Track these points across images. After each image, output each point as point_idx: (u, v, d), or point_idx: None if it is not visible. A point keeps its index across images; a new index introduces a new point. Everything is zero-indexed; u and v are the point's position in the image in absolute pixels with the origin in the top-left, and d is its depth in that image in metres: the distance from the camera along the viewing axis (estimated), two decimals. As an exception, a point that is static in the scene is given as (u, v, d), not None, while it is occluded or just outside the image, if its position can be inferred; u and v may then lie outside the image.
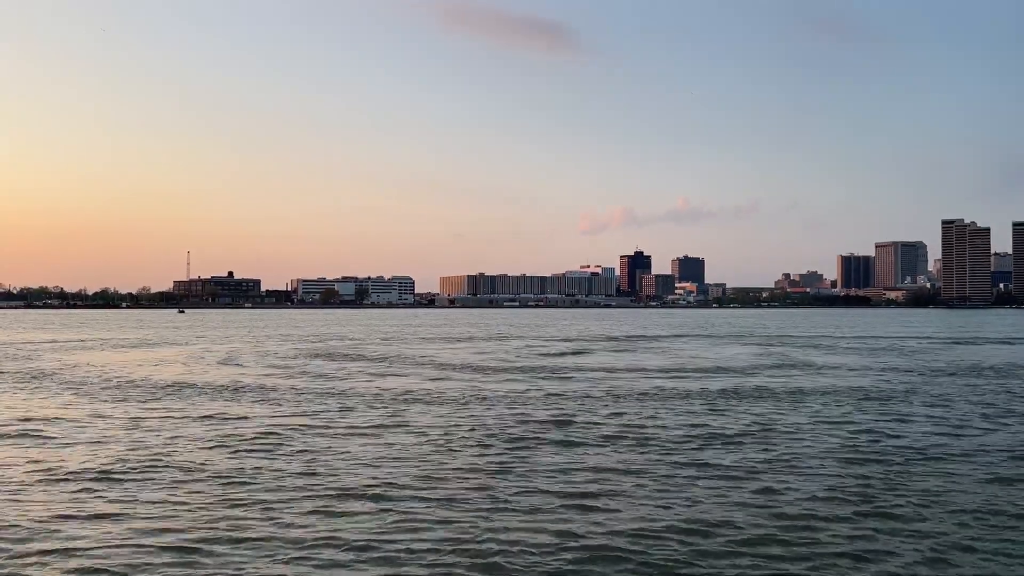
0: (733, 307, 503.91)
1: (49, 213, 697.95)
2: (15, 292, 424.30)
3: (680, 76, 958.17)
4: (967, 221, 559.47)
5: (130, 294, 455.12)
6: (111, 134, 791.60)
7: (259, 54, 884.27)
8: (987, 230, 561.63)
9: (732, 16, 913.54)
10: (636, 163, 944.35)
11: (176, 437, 25.01)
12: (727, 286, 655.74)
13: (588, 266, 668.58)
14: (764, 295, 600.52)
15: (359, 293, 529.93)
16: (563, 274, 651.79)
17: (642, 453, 22.39)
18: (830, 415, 29.88)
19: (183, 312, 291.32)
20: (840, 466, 20.59)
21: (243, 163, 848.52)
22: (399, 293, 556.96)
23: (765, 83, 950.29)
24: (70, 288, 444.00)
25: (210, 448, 23.17)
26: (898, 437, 24.97)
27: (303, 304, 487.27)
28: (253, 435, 25.35)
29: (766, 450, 22.77)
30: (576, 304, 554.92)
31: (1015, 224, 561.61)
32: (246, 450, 22.88)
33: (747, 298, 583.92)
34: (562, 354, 67.59)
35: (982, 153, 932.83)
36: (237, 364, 56.05)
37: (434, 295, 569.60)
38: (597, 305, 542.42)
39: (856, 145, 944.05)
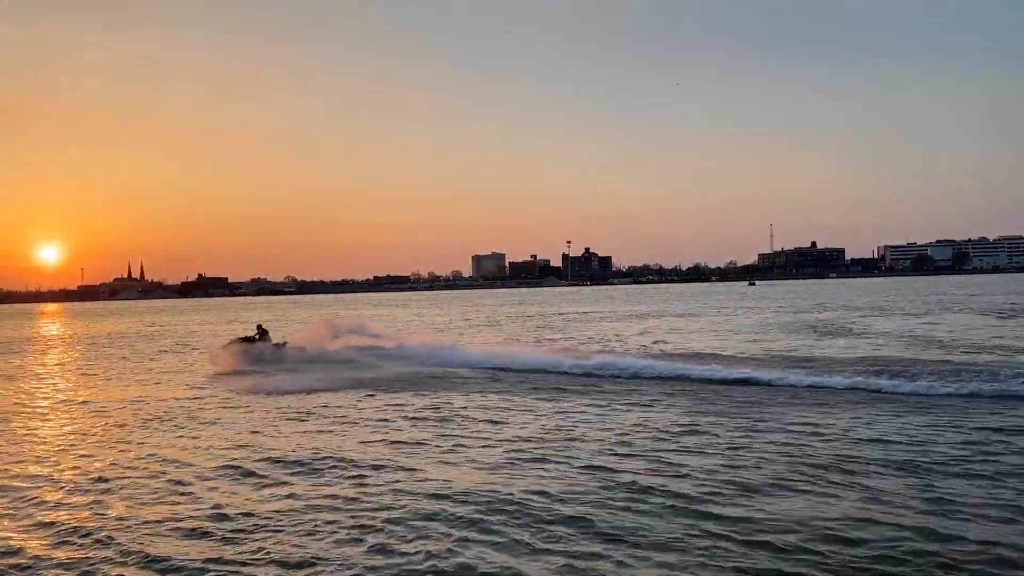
0: None
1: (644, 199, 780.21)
2: (624, 270, 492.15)
3: None
4: None
5: (718, 268, 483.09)
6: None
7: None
8: None
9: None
10: None
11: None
12: None
13: None
14: None
15: (957, 258, 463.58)
16: None
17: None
18: None
19: (753, 284, 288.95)
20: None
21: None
22: (1008, 256, 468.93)
23: None
24: (668, 264, 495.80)
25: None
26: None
27: (891, 272, 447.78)
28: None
29: None
30: None
31: None
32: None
33: None
34: None
35: None
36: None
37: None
38: None
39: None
